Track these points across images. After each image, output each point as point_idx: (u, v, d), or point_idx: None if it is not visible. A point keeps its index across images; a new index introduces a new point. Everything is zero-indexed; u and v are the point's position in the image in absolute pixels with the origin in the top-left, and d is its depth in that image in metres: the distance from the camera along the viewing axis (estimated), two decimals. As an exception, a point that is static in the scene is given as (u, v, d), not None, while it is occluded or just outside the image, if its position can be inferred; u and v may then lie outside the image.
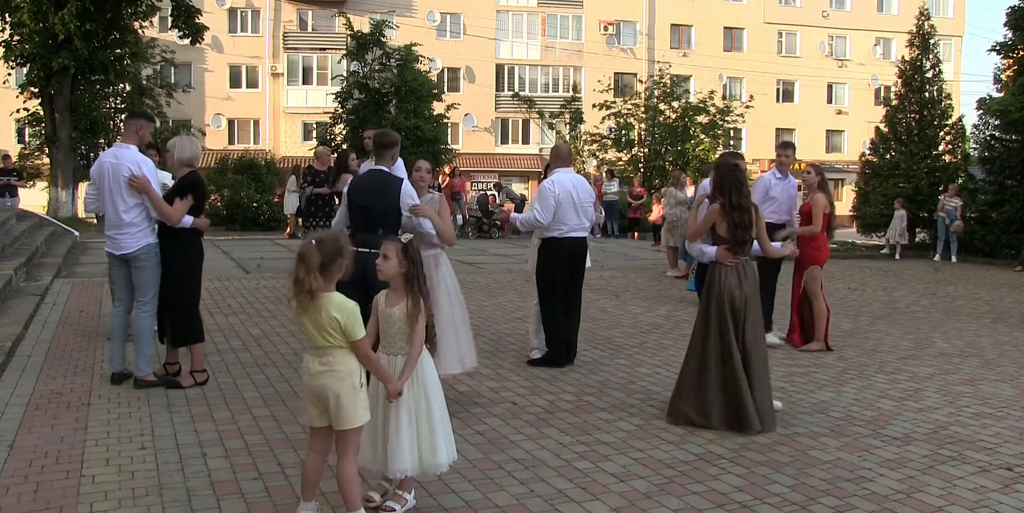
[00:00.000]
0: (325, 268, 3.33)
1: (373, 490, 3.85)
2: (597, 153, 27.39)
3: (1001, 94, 18.94)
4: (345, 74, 23.98)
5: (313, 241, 3.36)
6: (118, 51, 22.57)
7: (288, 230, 19.05)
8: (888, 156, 20.26)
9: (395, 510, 3.71)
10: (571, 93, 33.72)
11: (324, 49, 37.98)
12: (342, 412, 3.39)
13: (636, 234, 21.14)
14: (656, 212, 18.75)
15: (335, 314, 3.34)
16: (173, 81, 28.85)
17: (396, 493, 3.78)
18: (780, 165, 8.05)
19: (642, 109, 26.14)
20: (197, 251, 5.89)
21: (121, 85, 23.82)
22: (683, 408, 5.14)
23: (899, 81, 20.37)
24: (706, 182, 10.12)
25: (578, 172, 7.09)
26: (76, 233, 16.31)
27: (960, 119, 20.22)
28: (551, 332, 6.59)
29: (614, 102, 26.30)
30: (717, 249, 5.23)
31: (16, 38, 21.31)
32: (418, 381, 3.66)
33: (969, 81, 46.95)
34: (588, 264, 6.95)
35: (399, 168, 7.44)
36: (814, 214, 7.47)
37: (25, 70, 22.09)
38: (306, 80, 38.75)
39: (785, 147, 8.13)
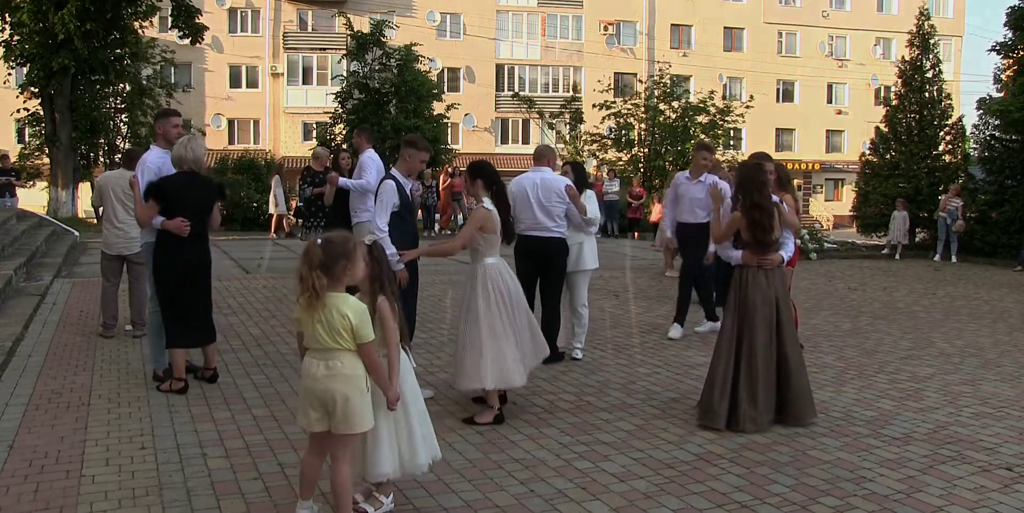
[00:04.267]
0: (327, 268, 3.29)
1: (359, 494, 3.80)
2: (597, 153, 27.36)
3: (1001, 94, 18.93)
4: (345, 74, 23.98)
5: (320, 240, 3.36)
6: (118, 51, 22.55)
7: (273, 230, 18.95)
8: (888, 156, 20.25)
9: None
10: (571, 93, 33.68)
11: (324, 49, 37.98)
12: (349, 416, 3.34)
13: (636, 234, 21.15)
14: (656, 212, 18.75)
15: (347, 312, 3.30)
16: (173, 81, 28.78)
17: (374, 495, 3.74)
18: (696, 167, 8.16)
19: (642, 109, 26.12)
20: (170, 254, 5.64)
21: (121, 85, 23.79)
22: (718, 411, 5.07)
23: (899, 81, 20.36)
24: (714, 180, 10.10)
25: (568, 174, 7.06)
26: (76, 233, 16.31)
27: (960, 119, 20.21)
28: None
29: (614, 102, 26.27)
30: (742, 253, 5.25)
31: (16, 38, 21.30)
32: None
33: (969, 81, 46.94)
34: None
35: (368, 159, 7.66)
36: None
37: (25, 70, 22.09)
38: (306, 80, 38.75)
39: (700, 149, 8.45)
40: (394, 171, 5.69)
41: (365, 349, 3.35)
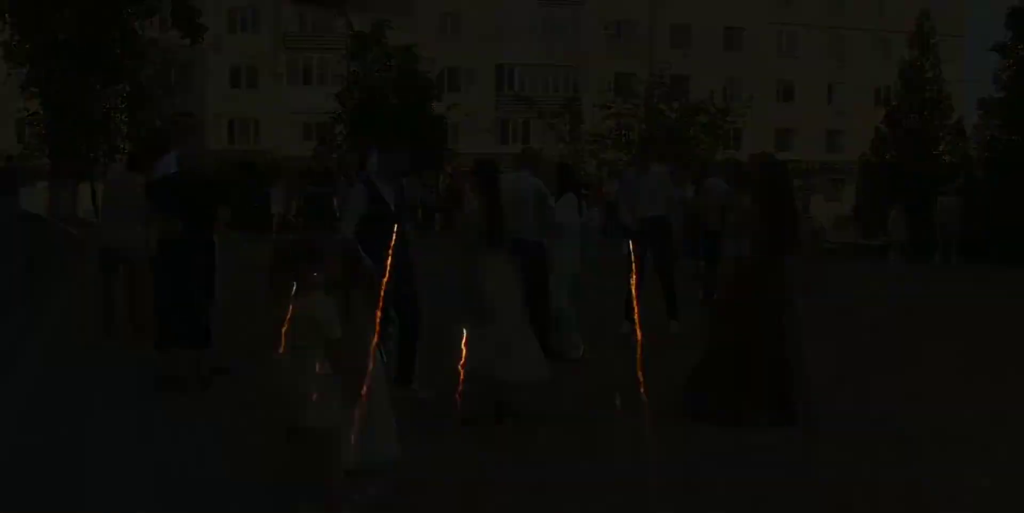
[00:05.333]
0: (295, 268, 3.38)
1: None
2: (597, 153, 27.38)
3: (1001, 94, 18.96)
4: (345, 74, 24.00)
5: (290, 240, 3.46)
6: (118, 51, 22.57)
7: (274, 229, 18.99)
8: (888, 156, 20.29)
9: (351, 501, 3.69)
10: (571, 93, 33.71)
11: (324, 49, 37.97)
12: (311, 411, 3.41)
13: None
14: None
15: (312, 312, 3.37)
16: (173, 81, 28.82)
17: (361, 485, 3.77)
18: (645, 162, 8.32)
19: (642, 109, 26.14)
20: (169, 253, 5.69)
21: (121, 85, 23.80)
22: (719, 411, 5.09)
23: (900, 81, 20.39)
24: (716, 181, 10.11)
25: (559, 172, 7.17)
26: (76, 233, 16.32)
27: (960, 119, 20.24)
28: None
29: (614, 102, 26.29)
30: (733, 259, 5.28)
31: (17, 38, 21.31)
32: None
33: (970, 81, 46.96)
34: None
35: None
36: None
37: (25, 70, 22.09)
38: (306, 80, 38.73)
39: (648, 146, 9.40)
40: (371, 175, 5.62)
41: (331, 346, 3.41)
